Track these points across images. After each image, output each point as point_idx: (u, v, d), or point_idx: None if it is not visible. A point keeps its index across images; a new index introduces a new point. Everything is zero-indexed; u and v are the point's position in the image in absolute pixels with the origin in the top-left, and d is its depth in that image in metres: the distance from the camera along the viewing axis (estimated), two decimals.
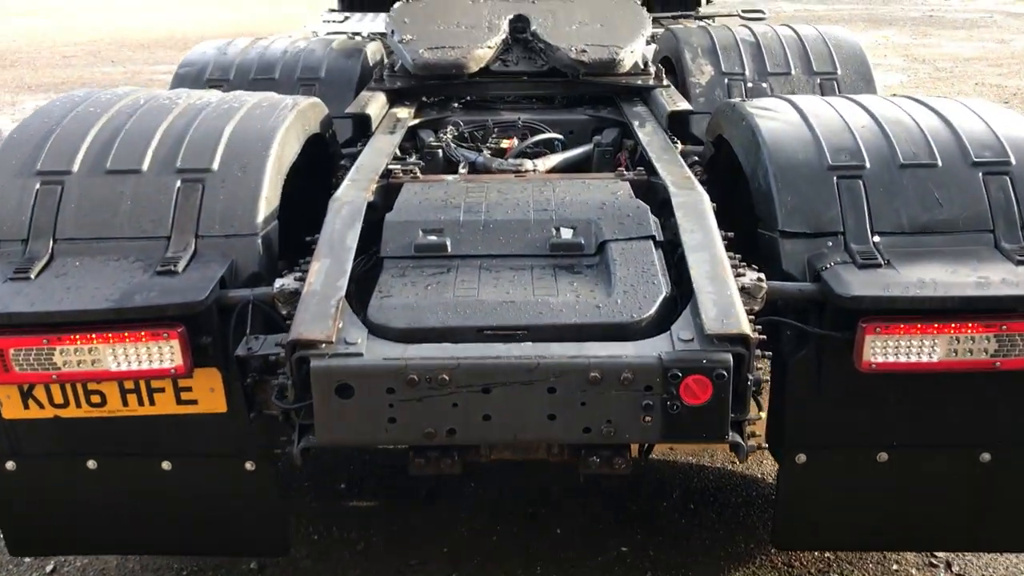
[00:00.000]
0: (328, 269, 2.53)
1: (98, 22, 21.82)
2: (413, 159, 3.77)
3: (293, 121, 3.26)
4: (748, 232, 3.40)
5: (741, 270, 2.66)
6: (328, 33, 6.91)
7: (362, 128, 3.79)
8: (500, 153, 3.93)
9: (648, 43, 4.45)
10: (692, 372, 2.26)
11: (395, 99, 4.30)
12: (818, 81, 4.56)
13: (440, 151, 3.81)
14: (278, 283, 2.66)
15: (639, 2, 5.58)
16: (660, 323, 2.40)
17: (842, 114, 3.21)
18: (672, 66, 4.95)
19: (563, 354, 2.28)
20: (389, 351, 2.30)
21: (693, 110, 3.84)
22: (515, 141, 3.95)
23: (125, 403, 2.78)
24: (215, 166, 2.94)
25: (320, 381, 2.28)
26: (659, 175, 3.16)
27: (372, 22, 7.20)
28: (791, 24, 4.97)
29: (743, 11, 4.89)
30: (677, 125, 3.88)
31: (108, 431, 2.81)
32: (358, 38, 6.46)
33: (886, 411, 2.77)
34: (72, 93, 3.47)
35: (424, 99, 4.41)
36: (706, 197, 2.87)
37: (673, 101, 3.97)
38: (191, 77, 4.64)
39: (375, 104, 3.95)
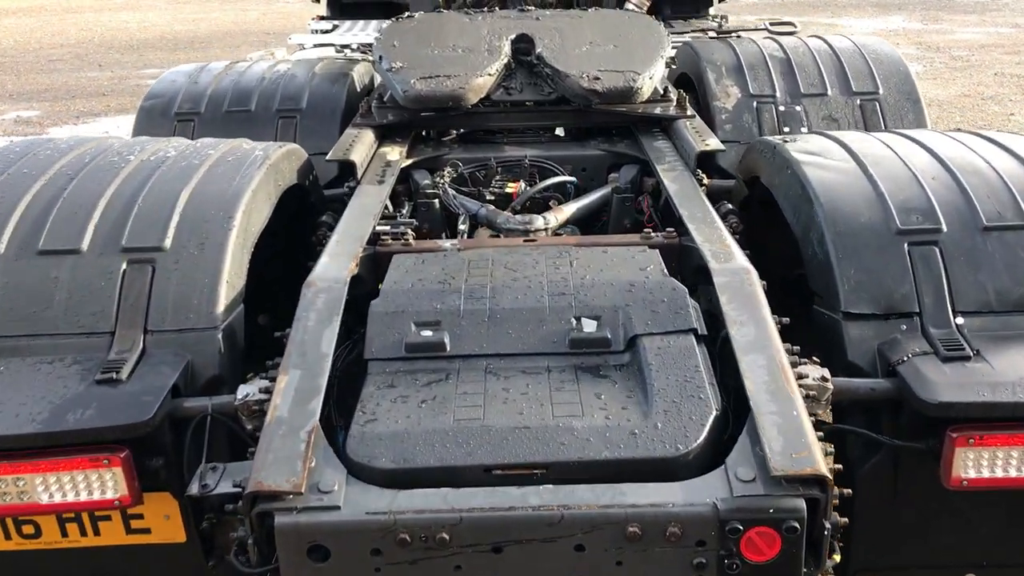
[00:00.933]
0: (298, 386, 2.06)
1: (89, 21, 21.32)
2: (406, 212, 3.30)
3: (263, 179, 2.79)
4: (788, 276, 2.99)
5: (802, 367, 2.19)
6: (315, 45, 6.44)
7: (347, 175, 3.31)
8: (505, 200, 3.46)
9: (668, 65, 3.96)
10: (756, 524, 1.80)
11: (385, 135, 3.83)
12: (858, 102, 4.08)
13: (437, 200, 3.34)
14: (242, 391, 2.21)
15: (648, 5, 5.11)
16: (711, 452, 1.94)
17: (905, 160, 2.74)
18: (691, 83, 4.46)
19: (594, 502, 1.81)
20: (374, 501, 1.84)
21: (723, 149, 3.36)
22: (521, 184, 3.48)
23: (64, 534, 2.33)
24: (168, 243, 2.49)
25: (287, 542, 1.82)
26: (692, 237, 2.69)
27: (362, 31, 6.71)
28: (823, 36, 4.47)
29: (771, 23, 4.38)
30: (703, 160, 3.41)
31: (44, 566, 2.37)
32: (347, 52, 6.02)
33: (976, 529, 2.32)
34: (8, 147, 3.00)
35: (418, 133, 3.93)
36: (753, 273, 2.40)
37: (699, 136, 3.49)
38: (158, 111, 4.16)
39: (361, 146, 3.48)
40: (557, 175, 3.59)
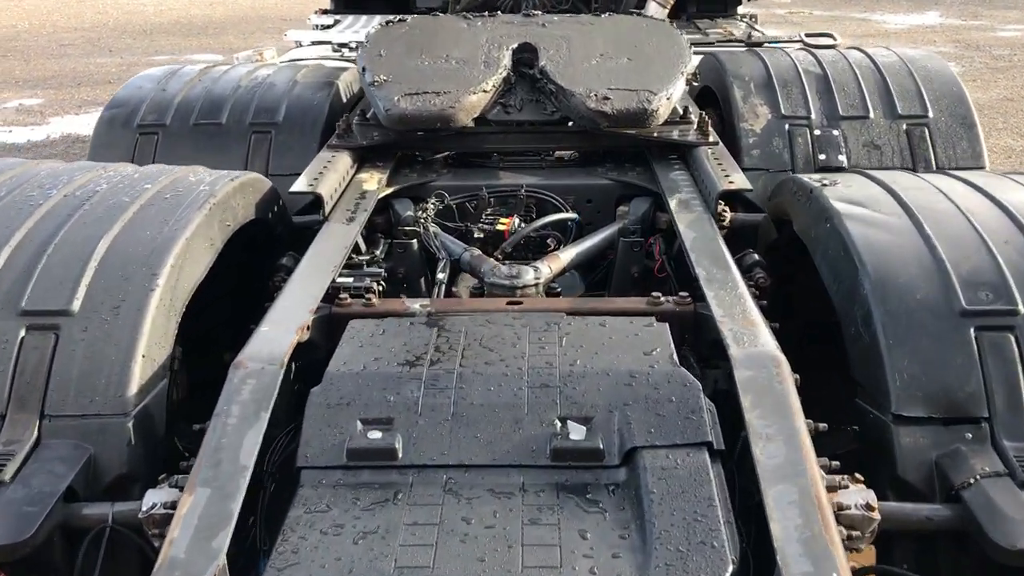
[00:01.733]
0: (204, 512, 1.64)
1: (106, 3, 20.99)
2: (380, 253, 2.87)
3: (204, 223, 2.37)
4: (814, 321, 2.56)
5: (842, 493, 1.75)
6: (312, 42, 6.01)
7: (315, 209, 2.88)
8: (496, 238, 3.02)
9: (689, 81, 3.49)
10: None
11: (365, 157, 3.40)
12: (904, 127, 3.60)
13: (416, 240, 2.90)
14: (148, 500, 1.80)
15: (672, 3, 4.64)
16: None
17: (969, 215, 2.27)
18: (714, 98, 4.00)
19: None
20: None
21: (749, 188, 2.89)
22: (515, 221, 3.04)
23: None
24: (76, 306, 2.07)
25: None
26: (709, 304, 2.24)
27: (364, 28, 6.27)
28: (864, 48, 3.98)
29: (807, 35, 3.89)
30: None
31: None
32: (345, 51, 5.58)
33: None
34: None
35: (403, 155, 3.49)
36: (783, 365, 1.94)
37: (722, 169, 3.03)
38: (119, 122, 3.74)
39: (333, 174, 3.04)
40: (556, 208, 3.14)
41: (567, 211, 3.13)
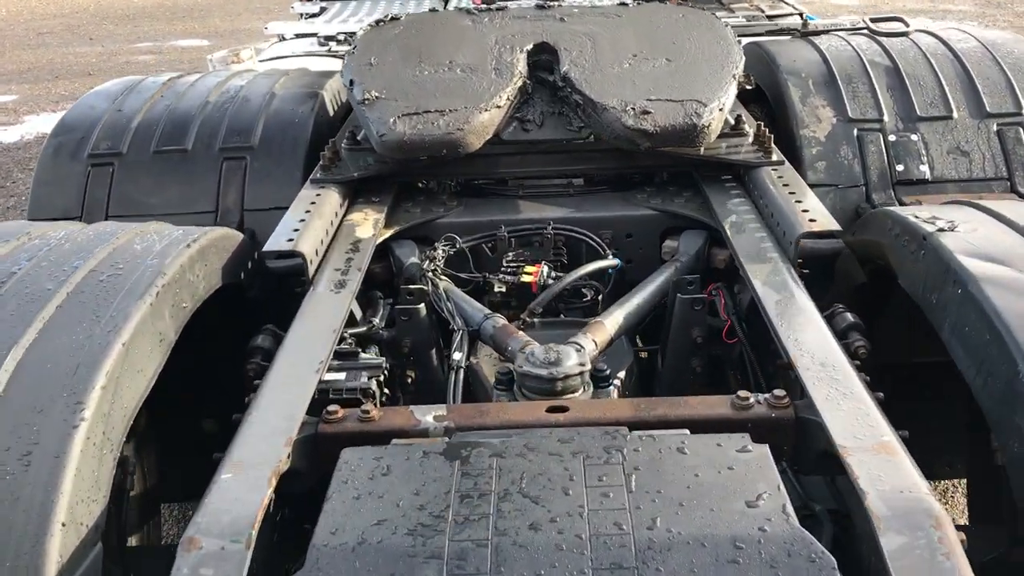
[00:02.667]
0: None
1: None
2: (379, 321, 2.33)
3: (148, 315, 1.83)
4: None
5: None
6: (296, 35, 5.41)
7: (295, 272, 2.33)
8: (522, 292, 2.48)
9: (740, 86, 2.92)
10: None
11: (358, 190, 2.85)
12: (995, 127, 3.03)
13: (423, 305, 2.35)
14: None
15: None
16: None
17: None
18: (759, 95, 3.43)
19: None
20: None
21: (838, 230, 2.30)
22: (543, 270, 2.49)
23: None
24: None
25: None
26: (813, 404, 1.70)
27: (353, 16, 5.67)
28: (935, 32, 3.40)
29: (872, 19, 3.30)
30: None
31: None
32: (332, 45, 5.00)
33: None
34: None
35: (403, 184, 2.94)
36: (947, 526, 1.40)
37: (794, 197, 2.48)
38: (67, 152, 3.17)
39: (317, 221, 2.49)
40: (590, 249, 2.60)
41: (605, 251, 2.58)
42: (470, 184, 3.00)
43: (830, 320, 2.13)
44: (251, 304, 2.44)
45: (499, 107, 2.75)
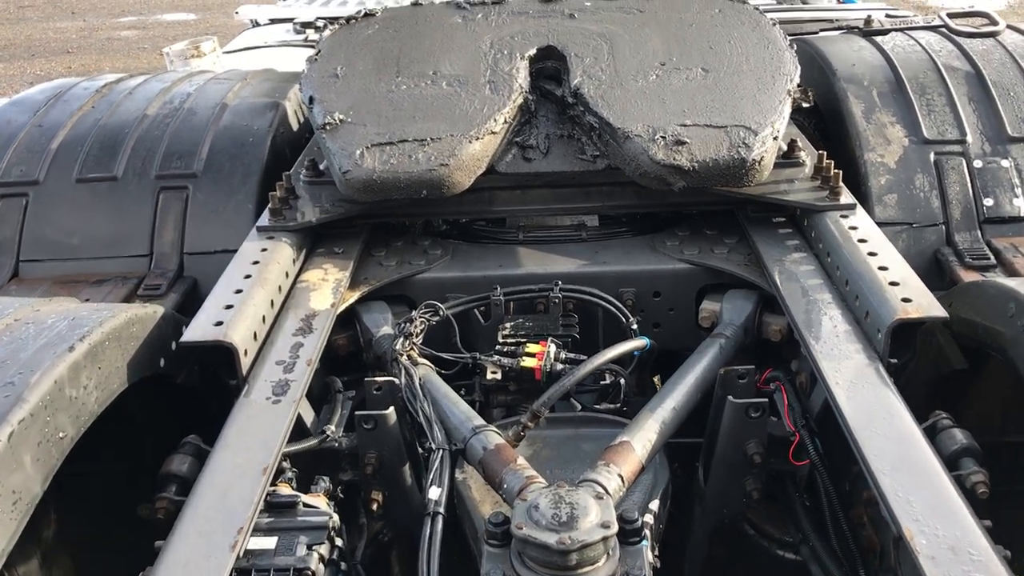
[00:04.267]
0: None
1: None
2: (335, 428, 1.80)
3: (18, 439, 1.30)
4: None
5: None
6: (271, 20, 4.83)
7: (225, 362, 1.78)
8: (522, 378, 1.93)
9: (796, 103, 2.34)
10: None
11: (320, 236, 2.30)
12: None
13: (392, 409, 1.80)
14: None
15: None
16: None
17: None
18: (813, 106, 2.85)
19: None
20: None
21: (944, 316, 1.73)
22: (549, 348, 1.94)
23: None
24: None
25: None
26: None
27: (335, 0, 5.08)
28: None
29: (951, 15, 2.71)
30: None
31: None
32: (310, 34, 4.41)
33: None
34: None
35: (374, 228, 2.38)
36: None
37: (875, 258, 1.92)
38: None
39: (259, 292, 1.93)
40: (609, 315, 2.05)
41: (627, 319, 2.03)
42: (458, 224, 2.44)
43: (932, 436, 1.60)
44: (184, 391, 1.91)
45: (494, 133, 2.19)
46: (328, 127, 2.19)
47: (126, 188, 2.58)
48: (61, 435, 1.46)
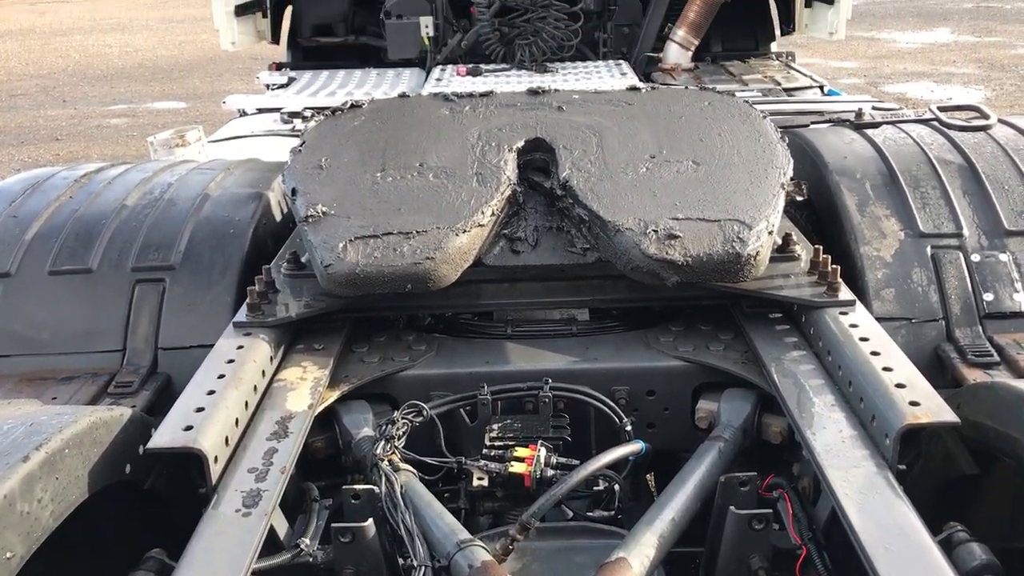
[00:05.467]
0: None
1: (71, 45, 19.86)
2: (309, 541, 1.68)
3: None
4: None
5: None
6: (258, 110, 4.82)
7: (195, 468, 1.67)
8: (510, 484, 1.83)
9: (790, 197, 2.30)
10: None
11: (299, 332, 2.21)
12: None
13: (371, 521, 1.69)
14: None
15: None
16: None
17: None
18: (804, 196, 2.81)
19: None
20: None
21: (956, 422, 1.65)
22: (539, 452, 1.84)
23: None
24: None
25: None
26: None
27: (324, 89, 5.09)
28: (1015, 123, 2.80)
29: (941, 108, 2.71)
30: None
31: None
32: (297, 123, 4.40)
33: None
34: None
35: (356, 322, 2.30)
36: None
37: (878, 357, 1.85)
38: None
39: (232, 393, 1.84)
40: (601, 415, 1.96)
41: (621, 419, 1.94)
42: (444, 319, 2.36)
43: (949, 550, 1.49)
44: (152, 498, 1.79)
45: (481, 225, 2.13)
46: (311, 219, 2.13)
47: (100, 281, 2.50)
48: (8, 555, 1.35)
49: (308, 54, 5.89)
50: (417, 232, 2.07)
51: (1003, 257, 2.40)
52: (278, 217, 2.81)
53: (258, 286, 2.17)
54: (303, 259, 2.29)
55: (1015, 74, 12.92)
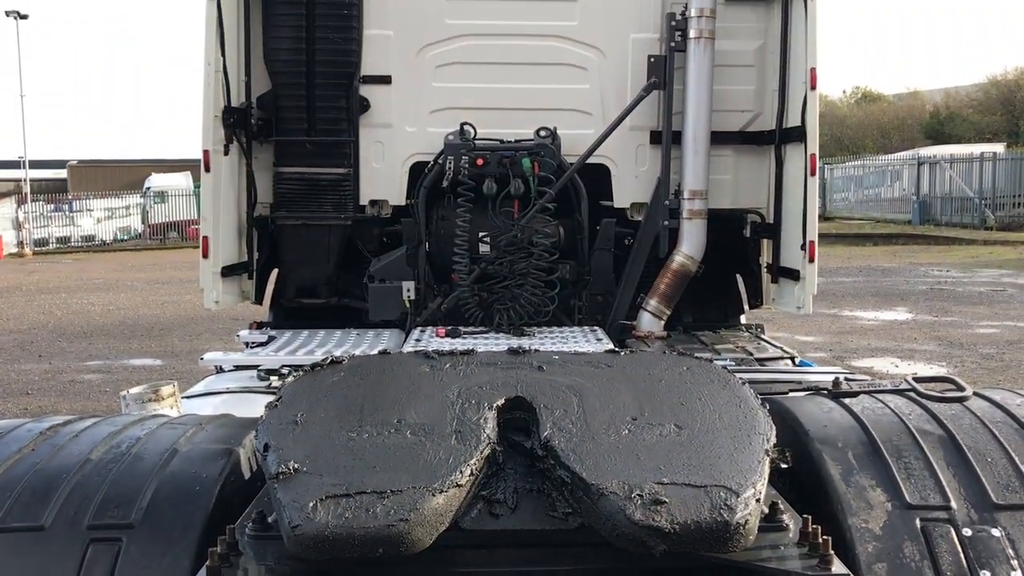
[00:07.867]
0: None
1: (55, 303, 20.24)
2: None
3: None
4: None
5: None
6: (235, 367, 4.83)
7: None
8: None
9: (774, 464, 2.28)
10: None
11: None
12: None
13: None
14: None
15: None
16: None
17: None
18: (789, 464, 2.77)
19: None
20: None
21: None
22: None
23: None
24: None
25: None
26: None
27: (303, 348, 5.13)
28: (987, 394, 2.84)
29: (918, 379, 2.77)
30: None
31: None
32: (274, 381, 4.39)
33: None
34: None
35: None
36: None
37: None
38: None
39: None
40: None
41: None
42: None
43: None
44: None
45: (459, 486, 2.06)
46: (281, 476, 2.05)
47: (52, 540, 2.35)
48: None
49: (289, 313, 5.99)
50: (392, 491, 1.99)
51: (995, 532, 2.34)
52: (247, 475, 2.71)
53: (219, 548, 2.05)
54: (270, 519, 2.18)
55: (975, 352, 13.34)
